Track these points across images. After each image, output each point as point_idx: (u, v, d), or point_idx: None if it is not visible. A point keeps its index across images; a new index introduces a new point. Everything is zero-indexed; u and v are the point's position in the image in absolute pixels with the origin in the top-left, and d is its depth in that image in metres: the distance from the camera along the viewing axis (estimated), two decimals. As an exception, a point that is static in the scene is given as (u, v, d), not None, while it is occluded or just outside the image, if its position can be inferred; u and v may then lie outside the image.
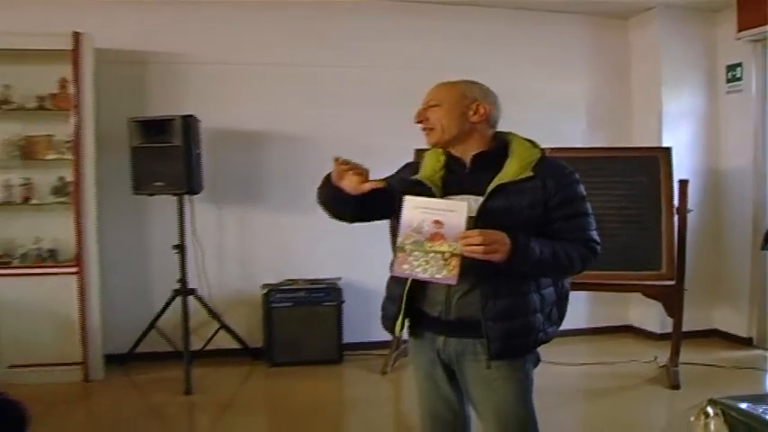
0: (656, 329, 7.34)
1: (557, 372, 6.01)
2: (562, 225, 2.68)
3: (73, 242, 6.15)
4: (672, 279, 5.98)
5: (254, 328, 6.86)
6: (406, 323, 2.87)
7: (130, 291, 6.76)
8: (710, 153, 7.47)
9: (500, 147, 2.76)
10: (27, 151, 6.33)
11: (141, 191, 6.16)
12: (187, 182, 6.06)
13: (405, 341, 6.38)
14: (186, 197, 6.27)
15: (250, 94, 6.86)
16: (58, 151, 6.30)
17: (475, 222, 2.56)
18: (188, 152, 6.05)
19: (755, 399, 2.73)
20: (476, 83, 2.82)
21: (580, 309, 7.32)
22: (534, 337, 2.70)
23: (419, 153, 5.10)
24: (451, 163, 2.82)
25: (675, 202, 6.02)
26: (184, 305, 6.17)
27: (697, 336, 7.08)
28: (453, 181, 2.77)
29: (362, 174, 2.71)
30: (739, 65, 7.21)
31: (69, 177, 6.21)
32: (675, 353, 6.08)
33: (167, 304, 6.42)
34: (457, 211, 2.54)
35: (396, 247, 2.66)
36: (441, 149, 2.82)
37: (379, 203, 2.81)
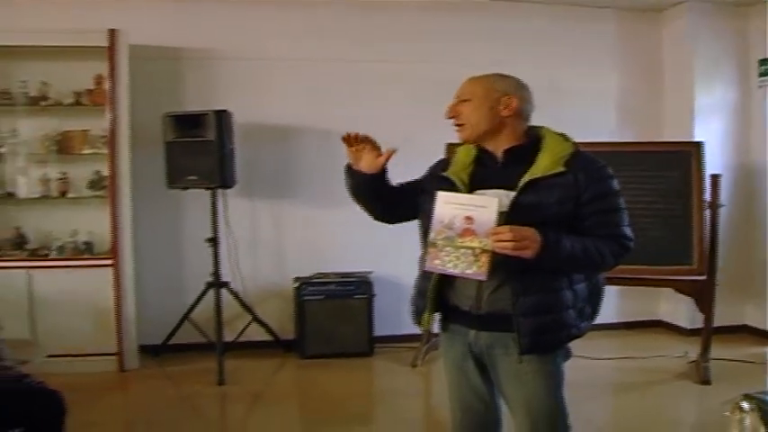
0: (686, 325, 7.28)
1: (586, 366, 5.99)
2: (594, 220, 2.65)
3: (108, 235, 6.23)
4: (703, 274, 5.94)
5: (286, 320, 6.91)
6: (436, 317, 2.88)
7: (165, 283, 6.82)
8: (742, 148, 7.41)
9: (532, 141, 2.74)
10: (64, 146, 6.42)
11: (175, 185, 6.23)
12: (220, 176, 6.12)
13: (435, 334, 6.41)
14: (219, 191, 6.32)
15: (283, 88, 6.89)
16: (94, 146, 6.39)
17: (506, 217, 2.54)
18: (221, 146, 6.11)
19: (791, 394, 2.72)
20: (507, 76, 2.79)
21: (610, 303, 7.20)
22: (566, 332, 2.69)
23: (450, 147, 5.14)
24: (483, 157, 2.80)
25: (707, 196, 5.99)
26: (217, 298, 6.23)
27: (727, 331, 7.01)
28: (484, 175, 2.76)
29: (375, 149, 2.84)
30: (772, 59, 7.16)
31: (105, 171, 6.29)
32: (706, 348, 6.03)
33: (201, 296, 6.49)
34: (488, 206, 2.54)
35: (427, 243, 2.68)
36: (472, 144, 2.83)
37: (405, 200, 2.87)
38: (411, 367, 6.43)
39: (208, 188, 6.23)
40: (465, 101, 2.75)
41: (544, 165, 2.65)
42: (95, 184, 6.44)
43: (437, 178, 2.87)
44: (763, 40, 7.06)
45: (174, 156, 6.16)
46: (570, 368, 2.83)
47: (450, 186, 2.75)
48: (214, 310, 6.23)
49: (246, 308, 6.72)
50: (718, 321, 6.16)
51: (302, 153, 6.97)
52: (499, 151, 2.75)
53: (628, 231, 2.71)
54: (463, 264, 2.57)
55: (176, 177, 6.19)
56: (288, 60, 6.88)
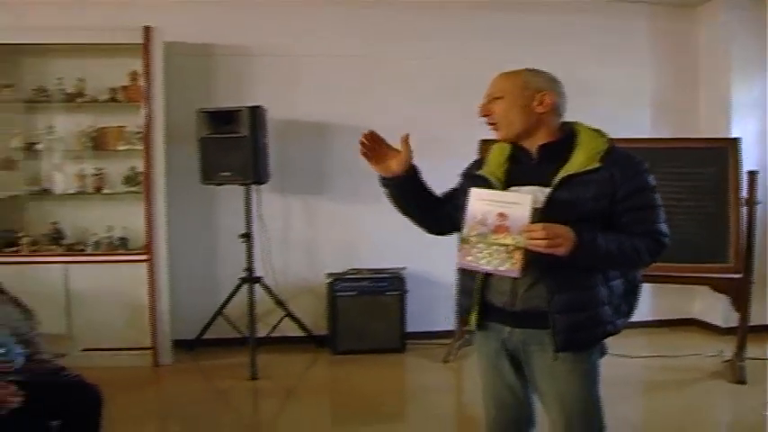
0: (721, 323, 7.20)
1: (620, 363, 5.93)
2: (630, 217, 2.62)
3: (143, 231, 6.29)
4: (739, 272, 5.88)
5: (319, 316, 6.94)
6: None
7: (198, 278, 6.87)
8: (779, 144, 7.33)
9: (567, 137, 2.72)
10: (99, 142, 6.49)
11: (209, 181, 6.27)
12: (254, 172, 6.15)
13: (468, 331, 6.40)
14: (253, 187, 6.34)
15: (316, 84, 6.90)
16: (129, 142, 6.44)
17: (541, 214, 2.53)
18: (255, 142, 6.13)
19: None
20: (539, 71, 2.76)
21: (644, 301, 7.04)
22: (602, 329, 2.67)
23: (484, 144, 5.13)
24: (518, 154, 2.78)
25: (744, 193, 5.92)
26: (251, 293, 6.26)
27: (763, 330, 6.92)
28: (519, 172, 2.74)
29: (392, 149, 2.94)
30: (810, 53, 7.06)
31: (140, 167, 6.35)
32: (741, 347, 5.97)
33: (234, 292, 6.53)
34: (521, 203, 2.52)
35: (460, 239, 2.68)
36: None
37: (450, 208, 2.87)
38: (443, 363, 6.42)
39: (241, 184, 6.25)
40: (497, 98, 2.73)
41: (579, 161, 2.63)
42: (130, 179, 6.50)
43: (472, 177, 2.87)
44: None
45: (208, 152, 6.20)
46: (603, 365, 2.82)
47: (486, 185, 2.73)
48: (247, 305, 6.26)
49: (279, 303, 6.75)
50: (753, 320, 6.09)
51: (335, 149, 6.97)
52: (534, 148, 2.73)
53: (664, 228, 2.68)
54: (496, 260, 2.56)
55: (210, 173, 6.22)
56: (321, 56, 6.88)
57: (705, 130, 7.38)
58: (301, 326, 6.89)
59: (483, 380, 3.01)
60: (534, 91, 2.69)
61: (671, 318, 7.57)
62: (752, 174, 5.92)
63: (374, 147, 2.97)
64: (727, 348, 6.25)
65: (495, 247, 2.56)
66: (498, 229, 2.55)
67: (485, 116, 2.77)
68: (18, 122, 6.48)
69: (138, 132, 6.32)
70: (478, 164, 2.95)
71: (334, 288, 6.65)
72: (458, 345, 6.50)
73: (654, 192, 2.69)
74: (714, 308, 7.24)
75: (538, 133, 2.72)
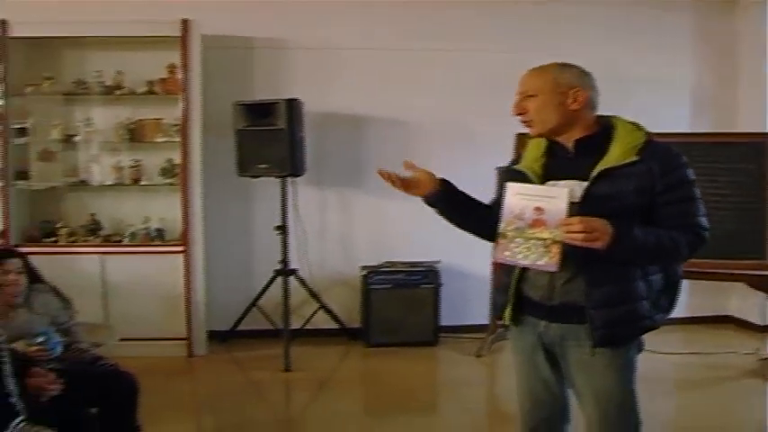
0: (758, 321, 7.13)
1: (653, 360, 5.85)
2: (669, 210, 2.59)
3: (180, 222, 6.34)
4: (777, 269, 5.83)
5: (353, 308, 6.95)
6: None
7: (234, 270, 6.90)
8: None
9: (604, 130, 2.70)
10: (137, 134, 6.54)
11: (246, 173, 6.29)
12: (290, 164, 6.15)
13: (502, 325, 6.39)
14: (289, 179, 6.35)
15: (353, 78, 6.90)
16: (167, 134, 6.48)
17: (579, 208, 2.52)
18: (292, 135, 6.13)
19: None
20: (568, 65, 2.75)
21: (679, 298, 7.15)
22: (640, 324, 2.66)
23: (520, 138, 5.12)
24: (554, 148, 2.78)
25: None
26: (285, 285, 6.29)
27: (801, 328, 6.88)
28: (556, 166, 2.74)
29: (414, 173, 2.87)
30: None
31: (177, 159, 6.40)
32: (778, 345, 5.94)
33: (269, 284, 6.56)
34: (558, 197, 2.52)
35: (498, 234, 2.67)
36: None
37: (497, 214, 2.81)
38: (476, 357, 6.42)
39: (278, 176, 6.26)
40: (530, 96, 2.72)
41: (616, 154, 2.61)
42: (167, 171, 6.55)
43: (510, 172, 2.87)
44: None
45: (245, 144, 6.22)
46: (638, 362, 2.80)
47: (523, 179, 2.73)
48: (282, 297, 6.29)
49: (314, 296, 6.77)
50: (790, 317, 6.04)
51: (371, 142, 6.96)
52: (570, 142, 2.73)
53: (704, 221, 2.66)
54: (533, 255, 2.56)
55: (247, 165, 6.25)
56: (358, 50, 6.87)
57: (744, 125, 7.28)
58: (335, 318, 6.91)
59: (518, 374, 3.00)
60: (567, 88, 2.68)
61: (706, 315, 7.47)
62: (791, 170, 5.84)
63: (393, 179, 2.96)
64: (764, 346, 6.20)
65: (532, 242, 2.56)
66: (535, 224, 2.55)
67: (518, 114, 2.76)
68: (57, 114, 6.53)
69: (176, 124, 6.36)
70: (515, 160, 2.95)
71: (369, 281, 6.66)
72: (491, 339, 6.49)
73: (693, 185, 2.67)
74: (751, 305, 7.16)
75: (573, 129, 2.71)
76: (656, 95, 7.03)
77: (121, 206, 6.66)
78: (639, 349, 2.79)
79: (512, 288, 2.79)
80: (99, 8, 6.32)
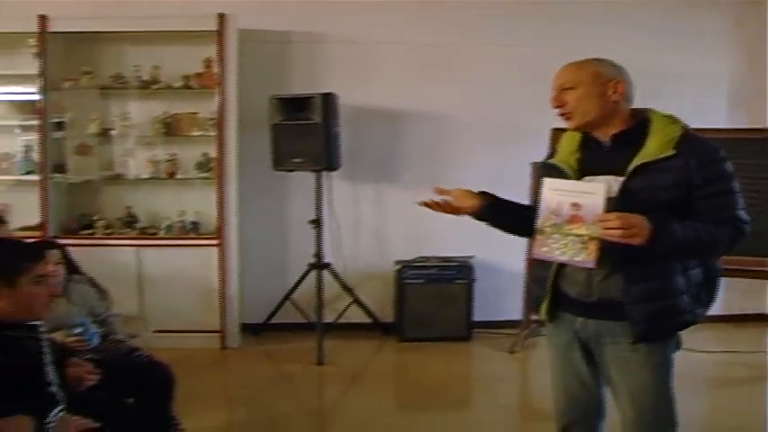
0: (794, 319, 7.07)
1: (687, 359, 5.82)
2: (707, 204, 2.57)
3: (215, 215, 6.38)
4: (814, 267, 5.74)
5: (386, 303, 6.96)
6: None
7: (267, 263, 6.93)
8: None
9: (639, 124, 2.69)
10: (173, 128, 6.58)
11: (281, 167, 6.31)
12: (326, 158, 6.16)
13: (536, 321, 6.36)
14: (324, 173, 6.37)
15: (389, 72, 6.88)
16: (202, 128, 6.52)
17: (616, 203, 2.51)
18: (327, 129, 6.14)
19: None
20: (603, 60, 2.74)
21: None
22: (681, 319, 2.65)
23: (556, 132, 5.10)
24: (589, 142, 2.77)
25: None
26: (319, 279, 6.31)
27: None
28: (592, 161, 2.72)
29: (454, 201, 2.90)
30: None
31: (212, 153, 6.43)
32: (815, 345, 5.86)
33: (302, 277, 6.57)
34: (595, 193, 2.51)
35: (535, 230, 2.67)
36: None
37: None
38: (509, 353, 6.39)
39: (313, 170, 6.28)
40: (569, 89, 2.71)
41: (653, 148, 2.60)
42: (203, 165, 6.59)
43: (546, 167, 2.87)
44: None
45: (281, 138, 6.24)
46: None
47: (559, 174, 2.73)
48: (315, 290, 6.31)
49: (347, 289, 6.78)
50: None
51: (407, 137, 6.96)
52: (607, 136, 2.71)
53: (743, 215, 2.64)
54: (571, 251, 2.56)
55: (282, 159, 6.27)
56: (394, 44, 6.85)
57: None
58: (368, 312, 6.91)
59: (553, 371, 3.00)
60: (607, 79, 2.67)
61: (741, 313, 7.39)
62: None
63: (431, 206, 2.99)
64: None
65: (569, 238, 2.56)
66: (572, 220, 2.55)
67: (557, 107, 2.75)
68: (94, 109, 6.59)
69: (212, 119, 6.40)
70: (550, 154, 2.95)
71: (402, 275, 6.66)
72: (524, 335, 6.46)
73: (731, 178, 2.64)
74: (787, 304, 7.07)
75: (611, 122, 2.70)
76: (693, 90, 6.94)
77: (157, 199, 6.71)
78: (677, 347, 2.77)
79: (549, 282, 2.79)
80: (136, 3, 6.39)
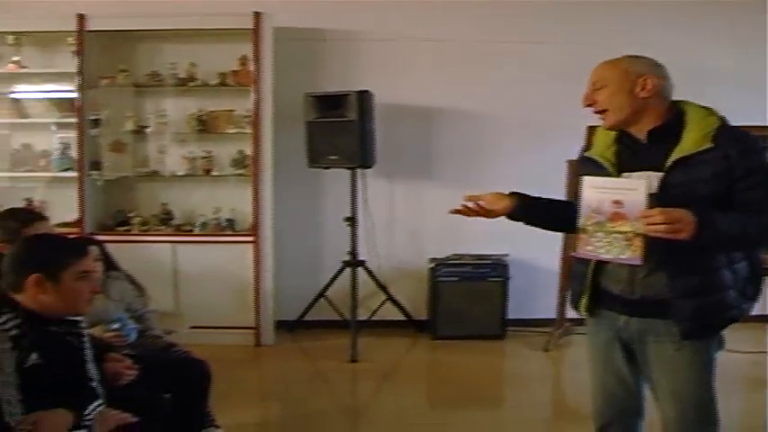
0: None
1: (728, 358, 5.74)
2: (750, 195, 2.52)
3: (250, 212, 6.40)
4: None
5: (419, 300, 6.94)
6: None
7: (302, 260, 6.95)
8: None
9: (675, 117, 2.66)
10: (208, 125, 6.61)
11: (316, 164, 6.34)
12: (361, 156, 6.17)
13: (571, 319, 6.34)
14: (359, 171, 6.38)
15: (423, 69, 6.88)
16: (238, 125, 6.55)
17: (656, 199, 2.48)
18: (362, 127, 6.15)
19: None
20: (639, 57, 2.72)
21: None
22: (728, 314, 2.62)
23: (591, 130, 5.06)
24: (625, 138, 2.75)
25: None
26: (354, 276, 6.33)
27: None
28: (629, 156, 2.71)
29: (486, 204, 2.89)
30: None
31: (248, 150, 6.46)
32: None
33: (337, 275, 6.58)
34: (637, 189, 2.48)
35: (578, 229, 2.65)
36: None
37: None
38: (543, 351, 6.38)
39: (348, 168, 6.29)
40: (600, 88, 2.70)
41: (691, 142, 2.57)
42: (238, 162, 6.61)
43: (583, 161, 2.86)
44: None
45: (316, 136, 6.26)
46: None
47: (597, 167, 2.72)
48: (350, 288, 6.33)
49: (381, 287, 6.78)
50: None
51: (442, 134, 6.95)
52: (642, 133, 2.69)
53: None
54: (616, 249, 2.53)
55: (317, 157, 6.30)
56: (429, 41, 6.83)
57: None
58: (402, 310, 6.91)
59: (592, 369, 2.98)
60: (636, 76, 2.65)
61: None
62: None
63: (463, 212, 3.02)
64: None
65: (613, 236, 2.53)
66: (615, 217, 2.52)
67: (589, 106, 2.75)
68: (130, 106, 6.65)
69: (247, 116, 6.42)
70: (585, 147, 2.94)
71: (436, 273, 6.64)
72: (559, 333, 6.44)
73: None
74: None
75: (644, 119, 2.68)
76: (732, 87, 6.84)
77: (193, 196, 6.76)
78: (720, 346, 2.74)
79: (588, 278, 2.78)
80: (173, 2, 6.40)
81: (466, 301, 6.61)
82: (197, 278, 6.34)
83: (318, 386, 5.71)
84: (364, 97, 6.18)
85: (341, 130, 6.14)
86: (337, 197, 6.60)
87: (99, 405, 2.79)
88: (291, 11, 6.52)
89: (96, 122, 6.54)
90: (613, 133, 2.78)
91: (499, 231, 6.47)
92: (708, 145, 2.54)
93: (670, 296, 2.58)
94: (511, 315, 6.71)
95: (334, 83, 6.65)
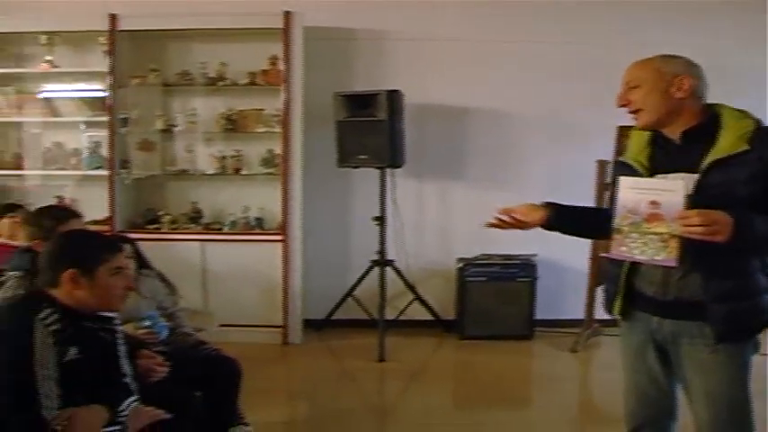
0: None
1: (761, 362, 5.73)
2: None
3: (279, 211, 6.43)
4: None
5: (447, 300, 6.93)
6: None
7: (330, 259, 6.95)
8: None
9: (710, 119, 2.63)
10: (238, 125, 6.65)
11: (345, 163, 6.36)
12: (390, 155, 6.18)
13: (599, 320, 6.32)
14: (388, 170, 6.38)
15: (453, 69, 6.85)
16: (268, 125, 6.58)
17: (692, 201, 2.46)
18: (392, 126, 6.16)
19: None
20: (674, 56, 2.69)
21: None
22: (762, 318, 2.60)
23: (622, 130, 5.04)
24: (659, 139, 2.73)
25: None
26: (382, 276, 6.34)
27: None
28: (663, 158, 2.69)
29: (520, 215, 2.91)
30: None
31: (277, 150, 6.49)
32: None
33: (365, 274, 6.59)
34: (674, 190, 2.47)
35: (612, 229, 2.64)
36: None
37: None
38: (571, 352, 6.35)
39: (377, 167, 6.29)
40: (634, 87, 2.68)
41: (726, 144, 2.55)
42: (268, 161, 6.64)
43: (618, 165, 2.84)
44: None
45: (345, 135, 6.28)
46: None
47: (631, 171, 2.70)
48: (378, 287, 6.33)
49: (409, 287, 6.77)
50: None
51: (471, 134, 6.93)
52: (677, 134, 2.67)
53: None
54: (651, 250, 2.52)
55: (347, 156, 6.31)
56: (458, 41, 6.81)
57: None
58: (430, 310, 6.90)
59: (625, 370, 2.96)
60: (671, 76, 2.63)
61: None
62: None
63: (496, 225, 3.06)
64: None
65: (649, 237, 2.52)
66: (651, 218, 2.51)
67: (623, 106, 2.73)
68: (160, 105, 6.71)
69: (277, 115, 6.45)
70: (620, 152, 2.92)
71: (465, 273, 6.64)
72: (587, 334, 6.42)
73: None
74: None
75: (679, 119, 2.66)
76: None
77: (222, 195, 6.80)
78: (756, 349, 2.71)
79: (621, 279, 2.76)
80: (204, 1, 6.45)
81: (494, 301, 6.60)
82: (226, 276, 6.38)
83: (345, 385, 5.73)
84: (394, 97, 6.19)
85: (371, 129, 6.15)
86: (366, 196, 6.61)
87: (133, 401, 2.82)
88: (322, 10, 6.53)
89: (125, 121, 6.59)
90: (647, 136, 2.76)
91: (528, 232, 6.45)
92: (744, 147, 2.52)
93: (704, 299, 2.56)
94: (539, 315, 6.69)
95: (363, 82, 6.67)
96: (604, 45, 6.53)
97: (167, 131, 6.71)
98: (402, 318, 6.72)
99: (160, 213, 6.65)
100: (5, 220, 5.13)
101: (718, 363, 2.63)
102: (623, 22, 6.77)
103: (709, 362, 2.64)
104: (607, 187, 5.69)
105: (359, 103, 6.23)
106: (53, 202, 6.26)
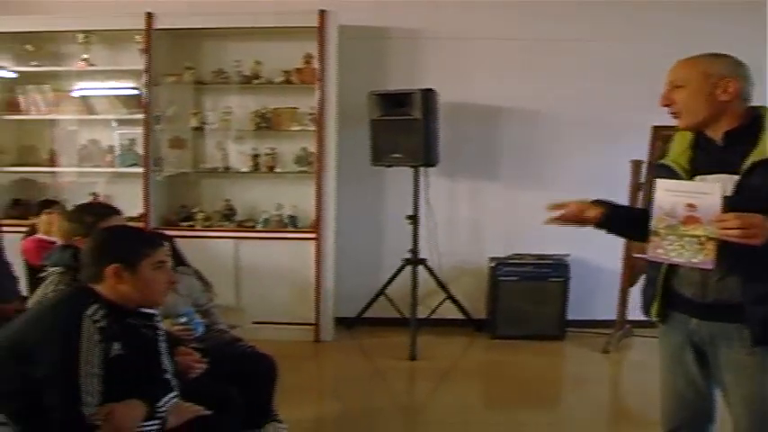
0: None
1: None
2: None
3: (312, 209, 6.45)
4: None
5: (478, 299, 6.93)
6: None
7: (363, 258, 6.97)
8: None
9: (754, 121, 2.60)
10: (272, 123, 6.69)
11: (379, 162, 6.36)
12: (424, 154, 6.18)
13: (631, 321, 6.29)
14: (422, 169, 6.38)
15: (488, 68, 6.85)
16: (302, 123, 6.61)
17: (731, 201, 2.44)
18: (426, 125, 6.15)
19: None
20: (720, 56, 2.65)
21: None
22: None
23: (656, 130, 5.01)
24: (701, 140, 2.70)
25: None
26: (414, 274, 6.33)
27: None
28: (704, 160, 2.65)
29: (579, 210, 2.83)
30: None
31: (311, 148, 6.52)
32: None
33: (397, 272, 6.59)
34: (711, 193, 2.45)
35: (649, 231, 2.62)
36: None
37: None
38: (602, 353, 6.32)
39: (411, 166, 6.30)
40: (678, 87, 2.64)
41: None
42: (302, 160, 6.68)
43: (658, 168, 2.81)
44: None
45: (380, 134, 6.28)
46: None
47: (671, 174, 2.67)
48: (410, 286, 6.33)
49: (441, 285, 6.77)
50: None
51: (505, 134, 6.91)
52: (719, 135, 2.64)
53: None
54: (688, 252, 2.50)
55: (381, 155, 6.31)
56: (493, 40, 6.80)
57: None
58: (461, 309, 6.90)
59: (663, 371, 2.93)
60: (717, 78, 2.58)
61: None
62: None
63: (562, 220, 2.92)
64: None
65: (686, 239, 2.50)
66: (688, 220, 2.49)
67: (666, 105, 2.69)
68: (195, 103, 6.77)
69: (311, 114, 6.48)
70: (662, 154, 2.89)
71: (497, 272, 6.63)
72: (619, 335, 6.39)
73: None
74: None
75: (721, 120, 2.62)
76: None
77: (256, 193, 6.83)
78: None
79: (659, 281, 2.74)
80: (239, 1, 6.49)
81: (526, 300, 6.59)
82: (258, 274, 6.40)
83: (377, 384, 5.73)
84: (429, 96, 6.18)
85: (405, 128, 6.15)
86: (399, 195, 6.60)
87: (173, 397, 2.84)
88: (356, 9, 6.54)
89: (157, 119, 6.64)
90: (689, 138, 2.73)
91: (560, 231, 6.37)
92: None
93: (743, 300, 2.54)
94: (571, 316, 6.67)
95: (398, 81, 6.65)
96: (640, 45, 6.47)
97: (200, 129, 6.76)
98: (433, 317, 6.71)
99: (194, 211, 6.69)
100: (43, 217, 5.20)
101: (755, 365, 2.60)
102: (663, 22, 6.63)
103: (747, 364, 2.61)
104: (641, 187, 5.72)
105: (393, 101, 6.24)
106: (88, 199, 6.34)
